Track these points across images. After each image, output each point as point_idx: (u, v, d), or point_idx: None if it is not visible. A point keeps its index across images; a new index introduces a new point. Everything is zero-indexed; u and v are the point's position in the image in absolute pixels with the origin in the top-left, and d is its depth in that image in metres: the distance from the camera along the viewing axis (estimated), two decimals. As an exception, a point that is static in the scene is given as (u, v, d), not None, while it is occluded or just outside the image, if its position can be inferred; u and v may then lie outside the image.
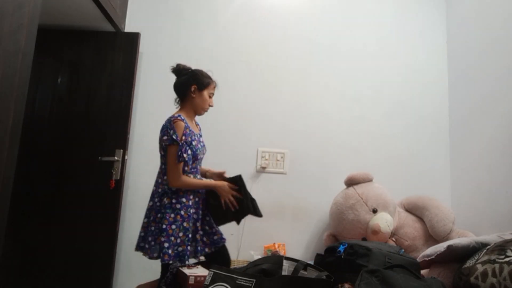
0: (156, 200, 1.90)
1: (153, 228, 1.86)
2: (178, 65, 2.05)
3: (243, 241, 2.70)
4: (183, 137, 1.86)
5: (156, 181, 1.96)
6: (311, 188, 2.82)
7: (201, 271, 1.63)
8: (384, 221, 2.35)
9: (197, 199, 1.96)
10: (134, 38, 2.71)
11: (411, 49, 3.07)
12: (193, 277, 1.55)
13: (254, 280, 1.25)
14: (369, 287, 1.27)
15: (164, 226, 1.81)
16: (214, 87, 2.04)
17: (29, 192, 2.54)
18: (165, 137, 1.86)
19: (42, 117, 2.64)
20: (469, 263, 1.60)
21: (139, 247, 1.91)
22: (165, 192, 1.88)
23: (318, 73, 2.96)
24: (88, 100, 2.66)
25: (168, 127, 1.86)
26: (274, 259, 1.48)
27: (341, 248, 1.70)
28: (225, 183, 1.95)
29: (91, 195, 2.53)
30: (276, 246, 2.60)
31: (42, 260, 2.47)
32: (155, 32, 2.87)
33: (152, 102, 2.79)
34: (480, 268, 1.51)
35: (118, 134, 2.60)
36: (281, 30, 2.97)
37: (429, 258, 1.79)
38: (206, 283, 1.32)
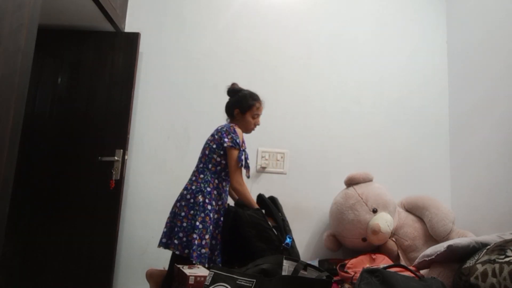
0: (189, 196, 1.92)
1: (185, 224, 1.87)
2: (233, 85, 2.13)
3: (243, 241, 2.70)
4: (243, 144, 1.96)
5: (190, 179, 2.00)
6: (311, 188, 2.82)
7: (201, 271, 1.62)
8: (384, 221, 2.35)
9: (223, 207, 1.99)
10: (134, 38, 2.71)
11: (411, 49, 3.06)
12: (193, 277, 1.54)
13: (254, 280, 1.25)
14: (369, 287, 1.27)
15: (197, 224, 1.84)
16: (258, 108, 2.10)
17: (29, 192, 2.54)
18: (226, 139, 1.92)
19: (42, 117, 2.64)
20: (469, 263, 1.60)
21: (161, 243, 1.91)
22: (201, 190, 1.91)
23: (318, 73, 2.96)
24: (88, 100, 2.66)
25: (230, 131, 1.94)
26: (274, 259, 1.48)
27: None
28: None
29: (91, 195, 2.53)
30: (276, 246, 2.59)
31: (42, 260, 2.47)
32: (155, 32, 2.87)
33: (152, 102, 2.79)
34: (480, 268, 1.51)
35: (118, 134, 2.60)
36: (281, 30, 2.97)
37: (429, 258, 1.79)
38: (206, 283, 1.32)
